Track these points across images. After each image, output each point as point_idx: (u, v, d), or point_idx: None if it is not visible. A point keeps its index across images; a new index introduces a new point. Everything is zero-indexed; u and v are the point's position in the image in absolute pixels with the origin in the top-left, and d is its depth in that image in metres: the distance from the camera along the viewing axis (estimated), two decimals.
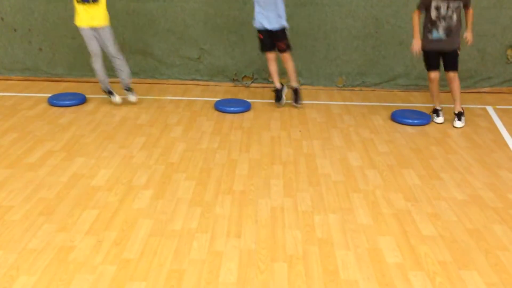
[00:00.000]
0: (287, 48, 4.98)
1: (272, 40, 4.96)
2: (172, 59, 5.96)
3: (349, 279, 2.51)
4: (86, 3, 4.67)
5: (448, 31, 4.48)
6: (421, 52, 4.66)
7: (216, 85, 5.98)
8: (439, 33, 4.49)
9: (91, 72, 5.91)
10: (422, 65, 5.69)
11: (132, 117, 4.78)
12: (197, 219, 3.02)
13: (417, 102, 5.51)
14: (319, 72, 5.94)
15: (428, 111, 5.03)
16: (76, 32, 5.69)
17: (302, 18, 5.71)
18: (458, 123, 4.73)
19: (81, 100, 5.15)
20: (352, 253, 2.72)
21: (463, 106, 4.90)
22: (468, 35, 4.59)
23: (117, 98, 5.04)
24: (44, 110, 4.92)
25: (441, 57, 4.65)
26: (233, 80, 6.01)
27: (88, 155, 3.90)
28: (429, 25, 4.54)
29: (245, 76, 5.99)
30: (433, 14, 4.46)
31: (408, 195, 3.39)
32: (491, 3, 5.58)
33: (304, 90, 5.87)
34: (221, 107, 5.03)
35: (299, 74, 5.92)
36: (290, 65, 5.06)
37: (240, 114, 4.96)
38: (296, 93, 5.15)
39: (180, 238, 2.83)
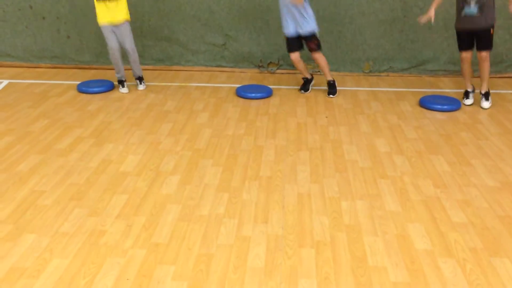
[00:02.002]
0: (317, 48, 4.92)
1: (299, 41, 4.92)
2: (197, 45, 5.96)
3: (377, 266, 2.50)
4: (106, 0, 4.76)
5: (481, 4, 4.32)
6: (429, 19, 4.55)
7: (241, 72, 5.97)
8: (470, 8, 4.33)
9: None
10: (451, 49, 5.60)
11: (158, 104, 4.82)
12: (224, 205, 3.04)
13: (446, 88, 5.40)
14: (345, 58, 5.87)
15: (458, 97, 4.93)
16: None
17: (328, 3, 5.64)
18: (485, 104, 4.66)
19: (109, 87, 5.21)
20: (380, 240, 2.71)
21: (494, 91, 4.80)
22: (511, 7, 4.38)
23: (125, 89, 5.17)
24: (73, 97, 4.99)
25: (474, 36, 4.51)
26: (259, 67, 5.98)
27: (116, 141, 3.96)
28: (461, 4, 4.42)
29: (270, 62, 5.97)
30: None
31: (438, 181, 3.34)
32: None
33: None
34: (243, 93, 5.02)
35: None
36: (321, 63, 5.02)
37: (266, 100, 4.94)
38: (330, 86, 5.11)
39: (208, 223, 2.85)
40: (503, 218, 2.92)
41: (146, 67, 6.00)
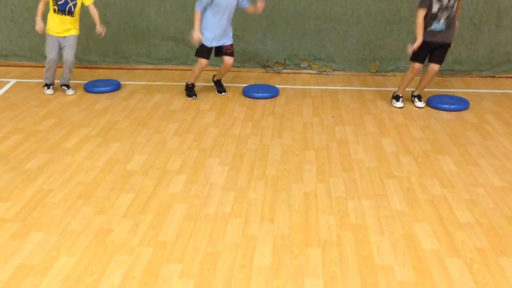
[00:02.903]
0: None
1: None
2: None
3: (384, 265, 2.49)
4: (63, 14, 4.72)
5: (449, 21, 4.38)
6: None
7: (247, 71, 5.98)
8: (439, 24, 4.39)
9: (124, 59, 6.04)
10: (458, 49, 5.58)
11: (165, 103, 4.83)
12: (230, 204, 3.05)
13: (453, 88, 5.38)
14: (351, 58, 5.86)
15: (465, 97, 4.91)
16: (109, 19, 5.79)
17: (335, 2, 5.63)
18: (420, 103, 4.74)
19: (116, 86, 5.23)
20: (387, 239, 2.70)
21: (501, 91, 4.79)
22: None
23: (50, 91, 5.07)
24: (79, 97, 5.02)
25: (435, 50, 4.51)
26: (265, 66, 5.99)
27: (123, 140, 3.97)
28: (429, 20, 4.40)
29: (276, 62, 5.97)
30: (436, 6, 4.32)
31: (444, 181, 3.33)
32: None
33: (337, 76, 5.84)
34: (249, 92, 5.03)
35: (331, 59, 5.87)
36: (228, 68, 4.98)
37: (272, 100, 4.95)
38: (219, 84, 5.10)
39: (214, 222, 2.86)
40: (510, 218, 2.91)
41: (153, 66, 6.02)
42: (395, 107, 4.75)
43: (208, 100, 4.94)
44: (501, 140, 3.99)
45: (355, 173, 3.44)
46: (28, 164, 3.55)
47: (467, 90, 5.12)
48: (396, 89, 4.85)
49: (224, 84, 5.29)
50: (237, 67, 6.00)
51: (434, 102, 4.73)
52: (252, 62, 6.00)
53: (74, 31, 4.88)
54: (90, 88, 5.16)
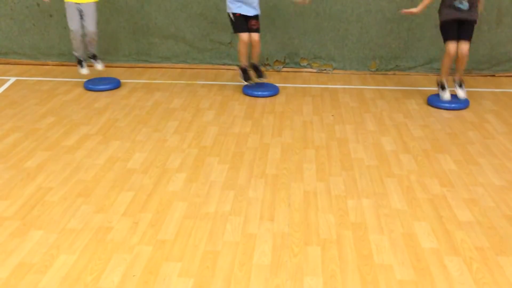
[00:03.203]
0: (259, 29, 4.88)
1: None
2: (203, 43, 5.97)
3: (383, 264, 2.50)
4: None
5: (472, 2, 4.44)
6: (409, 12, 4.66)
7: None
8: (462, 3, 4.45)
9: (124, 57, 6.04)
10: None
11: (164, 102, 4.83)
12: (230, 202, 3.05)
13: (453, 86, 5.36)
14: (351, 56, 5.86)
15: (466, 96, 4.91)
16: (109, 18, 5.79)
17: (335, 1, 5.63)
18: (461, 92, 4.72)
19: (116, 84, 5.22)
20: (386, 238, 2.70)
21: (501, 90, 4.79)
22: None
23: (85, 71, 5.14)
24: (80, 95, 5.01)
25: (461, 27, 4.58)
26: (264, 65, 5.98)
27: (123, 138, 3.97)
28: None
29: (276, 60, 5.97)
30: None
31: (444, 180, 3.34)
32: None
33: (337, 75, 5.84)
34: (249, 91, 5.03)
35: (331, 58, 5.87)
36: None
37: (272, 98, 4.94)
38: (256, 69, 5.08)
39: (214, 220, 2.86)
40: (510, 217, 2.91)
41: (153, 65, 6.02)
42: (443, 98, 4.73)
43: (208, 99, 4.93)
44: (501, 139, 3.99)
45: (354, 172, 3.44)
46: (27, 162, 3.55)
47: (467, 89, 5.10)
48: (399, 88, 4.86)
49: (224, 83, 5.29)
50: (237, 65, 6.00)
51: (434, 101, 4.73)
52: None
53: None
54: (90, 86, 5.16)
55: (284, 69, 5.98)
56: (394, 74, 5.85)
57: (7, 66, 6.03)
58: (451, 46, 4.57)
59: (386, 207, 3.01)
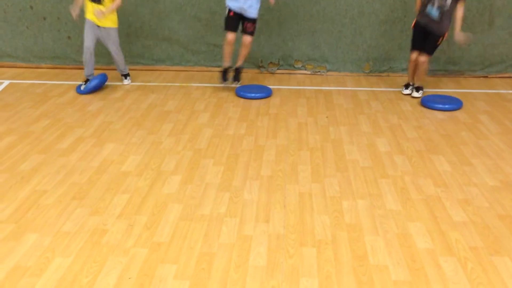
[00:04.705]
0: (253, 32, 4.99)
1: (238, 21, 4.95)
2: (198, 46, 5.97)
3: (378, 264, 2.51)
4: (92, 2, 4.87)
5: (443, 12, 4.56)
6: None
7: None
8: (433, 9, 4.56)
9: None
10: (451, 49, 5.61)
11: (159, 104, 4.83)
12: (225, 204, 3.05)
13: (446, 88, 5.41)
14: (345, 58, 5.88)
15: (458, 97, 4.95)
16: None
17: (328, 3, 5.65)
18: (416, 94, 5.00)
19: (103, 77, 5.14)
20: (381, 239, 2.72)
21: (495, 91, 4.84)
22: (457, 36, 4.69)
23: (126, 81, 5.42)
24: (74, 97, 5.00)
25: (425, 38, 4.77)
26: (259, 67, 5.99)
27: (117, 141, 3.97)
28: (426, 1, 4.66)
29: (270, 62, 5.98)
30: None
31: (438, 181, 3.35)
32: None
33: (331, 76, 5.86)
34: (243, 93, 5.03)
35: (325, 59, 5.89)
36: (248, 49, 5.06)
37: (266, 100, 4.95)
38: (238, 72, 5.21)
39: (209, 222, 2.86)
40: (503, 217, 2.93)
41: (147, 67, 6.02)
42: (403, 93, 5.12)
43: (202, 101, 4.94)
44: (494, 140, 4.02)
45: (349, 173, 3.46)
46: (22, 165, 3.54)
47: (461, 90, 5.15)
48: (393, 89, 4.92)
49: (218, 85, 5.29)
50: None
51: (427, 102, 4.75)
52: (247, 63, 5.99)
53: (109, 23, 4.97)
54: (81, 91, 5.10)
55: (279, 71, 5.99)
56: (387, 75, 5.87)
57: (1, 69, 6.00)
58: (412, 55, 4.89)
59: (381, 208, 3.02)
